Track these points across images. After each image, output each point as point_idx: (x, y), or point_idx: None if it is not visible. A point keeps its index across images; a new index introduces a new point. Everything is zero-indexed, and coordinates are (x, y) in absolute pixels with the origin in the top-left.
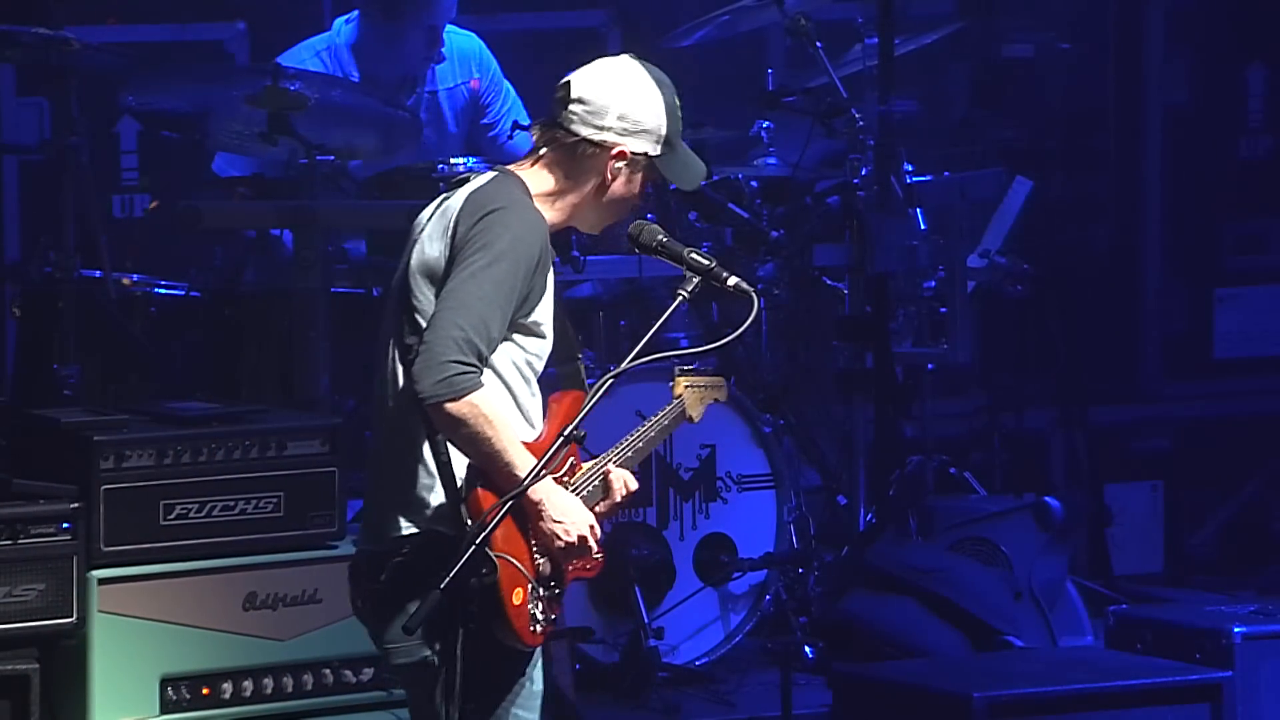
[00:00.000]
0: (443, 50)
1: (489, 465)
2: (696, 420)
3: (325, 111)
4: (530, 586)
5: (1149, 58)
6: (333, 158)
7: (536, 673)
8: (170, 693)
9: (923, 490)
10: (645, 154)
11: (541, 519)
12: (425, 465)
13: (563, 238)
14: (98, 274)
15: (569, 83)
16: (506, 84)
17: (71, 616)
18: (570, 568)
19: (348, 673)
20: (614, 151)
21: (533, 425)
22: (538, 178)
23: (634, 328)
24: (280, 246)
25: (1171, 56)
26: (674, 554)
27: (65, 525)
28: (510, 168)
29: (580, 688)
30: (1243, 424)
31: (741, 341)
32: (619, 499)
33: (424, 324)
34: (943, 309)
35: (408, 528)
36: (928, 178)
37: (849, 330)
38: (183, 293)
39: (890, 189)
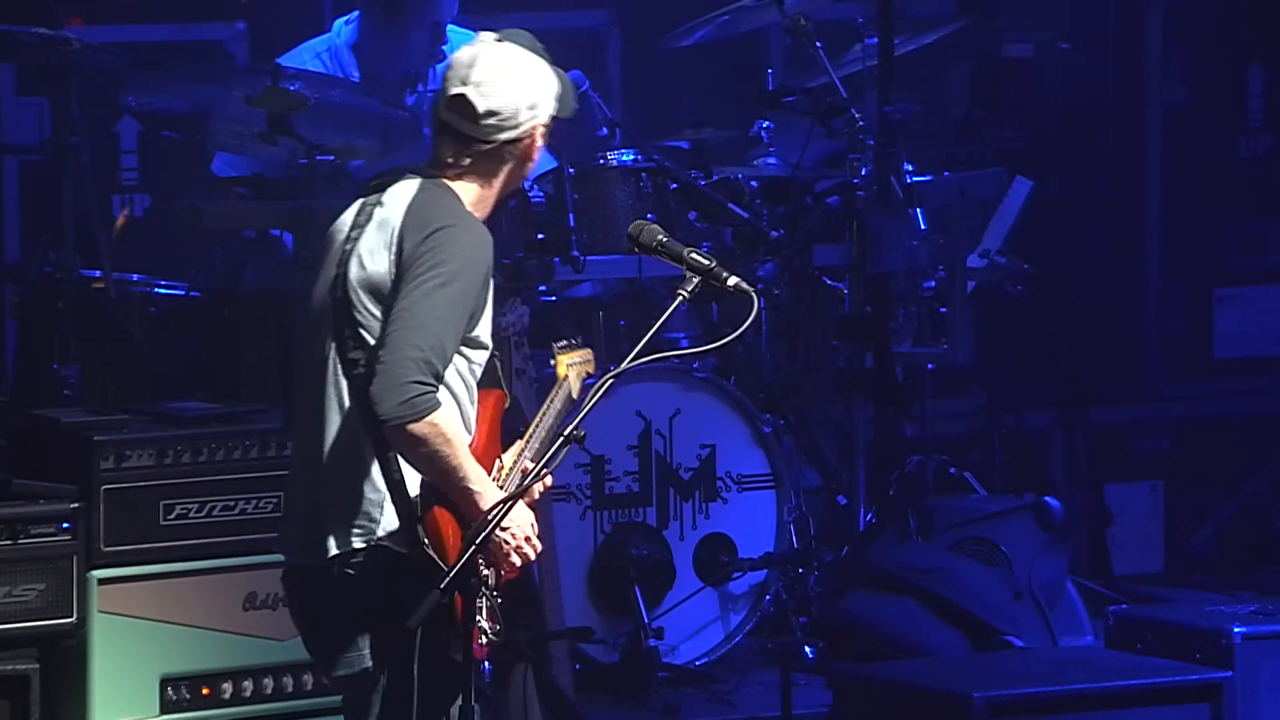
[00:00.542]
0: (444, 49)
1: (445, 481)
2: (576, 397)
3: (325, 111)
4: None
5: (1149, 57)
6: (333, 158)
7: (469, 686)
8: (170, 693)
9: (923, 490)
10: (552, 117)
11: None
12: (373, 482)
13: (563, 238)
14: (98, 274)
15: (468, 101)
16: None
17: (71, 616)
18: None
19: None
20: (531, 135)
21: (470, 431)
22: (467, 189)
23: (634, 328)
24: (280, 246)
25: (1171, 56)
26: (674, 554)
27: (65, 525)
28: (436, 176)
29: (580, 688)
30: (1243, 424)
31: (741, 341)
32: (538, 495)
33: (370, 340)
34: (943, 309)
35: (355, 543)
36: (928, 178)
37: (849, 330)
38: (183, 293)
39: (890, 189)
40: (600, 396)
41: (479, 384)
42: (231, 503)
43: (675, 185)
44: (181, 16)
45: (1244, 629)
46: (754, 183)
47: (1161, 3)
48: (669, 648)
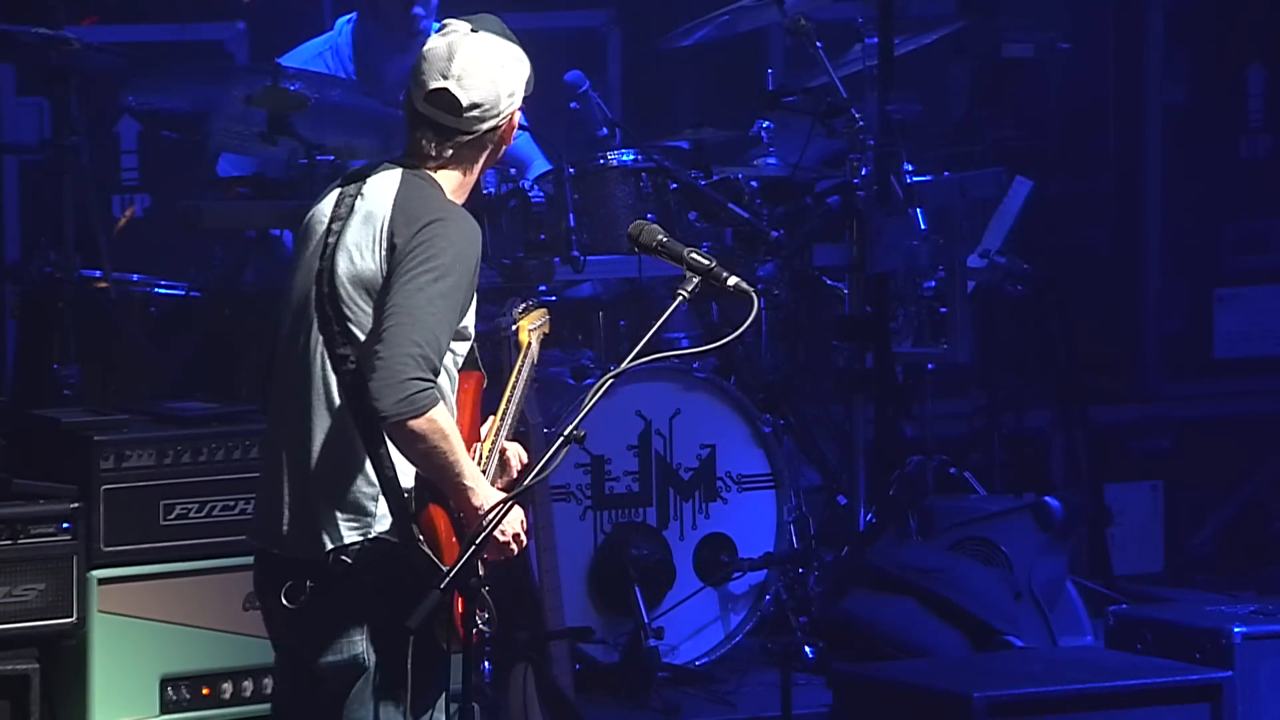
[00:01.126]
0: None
1: (441, 476)
2: (536, 360)
3: (325, 111)
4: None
5: (1149, 58)
6: (333, 158)
7: (467, 677)
8: (170, 693)
9: (923, 490)
10: (525, 98)
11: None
12: (366, 475)
13: (563, 238)
14: (98, 274)
15: (452, 95)
16: None
17: (71, 616)
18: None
19: None
20: (513, 118)
21: (453, 415)
22: (449, 177)
23: (634, 328)
24: (280, 246)
25: (1171, 56)
26: (674, 554)
27: (65, 525)
28: (417, 167)
29: (580, 688)
30: (1243, 424)
31: (741, 341)
32: (515, 475)
33: (359, 336)
34: (943, 309)
35: (353, 536)
36: (928, 178)
37: (849, 330)
38: (183, 293)
39: (890, 189)
40: (600, 396)
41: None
42: (231, 503)
43: (675, 185)
44: (181, 16)
45: (1244, 629)
46: (754, 183)
47: (1161, 3)
48: (669, 648)
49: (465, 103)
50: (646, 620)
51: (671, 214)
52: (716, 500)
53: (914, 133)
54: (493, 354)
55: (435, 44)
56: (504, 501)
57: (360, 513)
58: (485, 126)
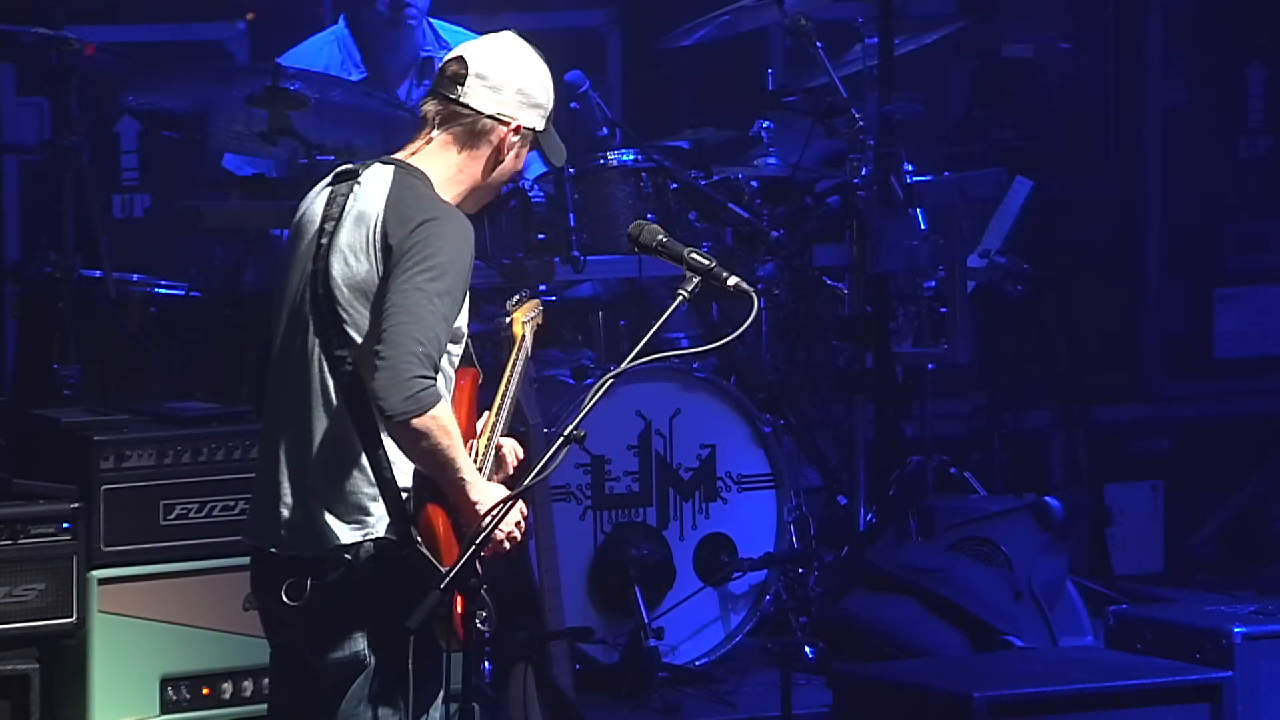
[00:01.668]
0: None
1: (441, 474)
2: (529, 353)
3: (325, 111)
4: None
5: (1149, 58)
6: (333, 158)
7: (468, 675)
8: (170, 693)
9: (923, 490)
10: (534, 129)
11: (480, 520)
12: (365, 476)
13: (563, 238)
14: (98, 274)
15: (463, 58)
16: None
17: (71, 616)
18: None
19: None
20: (512, 126)
21: None
22: (435, 163)
23: (634, 328)
24: (280, 246)
25: (1171, 56)
26: (674, 554)
27: (65, 525)
28: (404, 158)
29: (580, 688)
30: (1243, 424)
31: (741, 341)
32: (511, 470)
33: (356, 338)
34: (943, 309)
35: (355, 535)
36: (928, 178)
37: (849, 330)
38: (183, 293)
39: (890, 189)
40: (600, 396)
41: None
42: (231, 503)
43: (675, 185)
44: (181, 16)
45: (1244, 629)
46: (754, 183)
47: (1161, 3)
48: (669, 648)
49: (472, 71)
50: (646, 620)
51: (671, 214)
52: (716, 500)
53: (914, 133)
54: (493, 354)
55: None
56: (504, 501)
57: (360, 513)
58: (484, 108)
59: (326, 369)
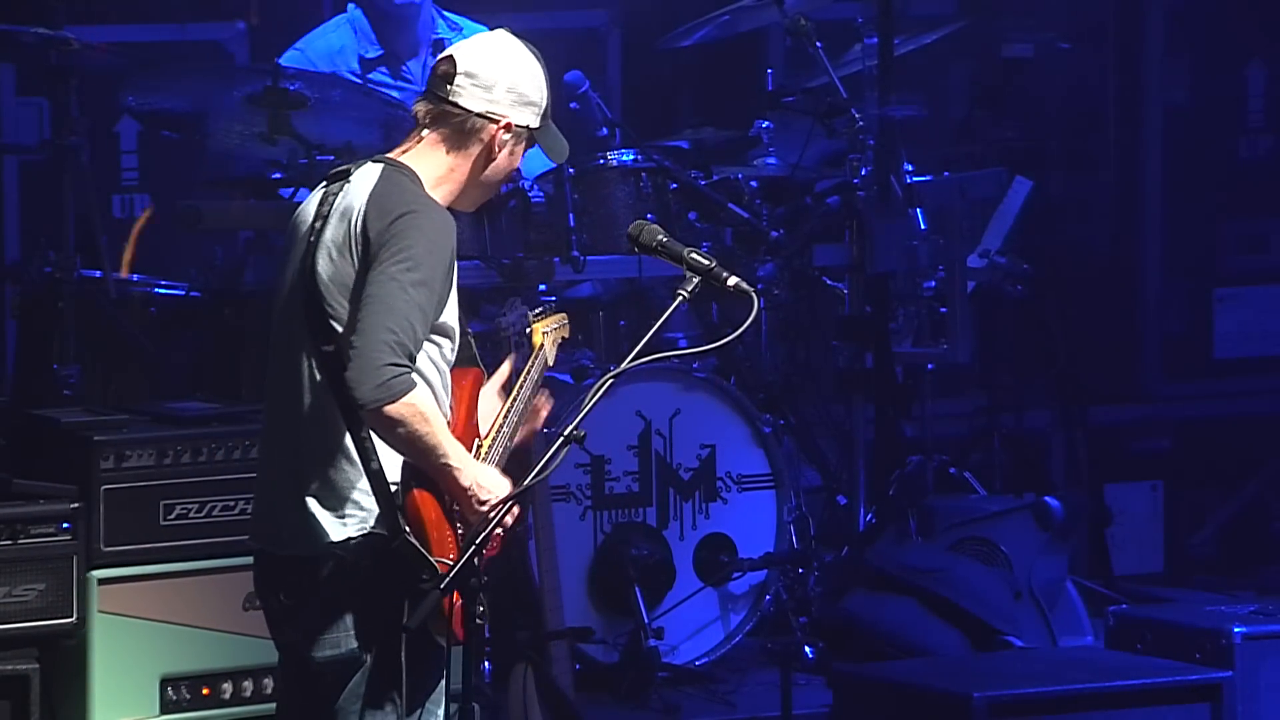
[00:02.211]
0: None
1: (424, 460)
2: (552, 364)
3: (325, 111)
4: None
5: (1149, 58)
6: (333, 158)
7: (468, 673)
8: (170, 693)
9: (923, 490)
10: (528, 126)
11: (472, 503)
12: (356, 470)
13: (563, 238)
14: (98, 274)
15: (452, 57)
16: None
17: (71, 616)
18: (486, 552)
19: None
20: (502, 123)
21: (447, 414)
22: (426, 161)
23: (634, 328)
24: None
25: (1171, 56)
26: (674, 554)
27: (65, 525)
28: (395, 156)
29: (580, 688)
30: (1243, 424)
31: (741, 341)
32: (541, 424)
33: (341, 331)
34: (943, 309)
35: (349, 531)
36: (928, 178)
37: (849, 330)
38: (183, 293)
39: (890, 189)
40: (600, 396)
41: (455, 363)
42: (231, 503)
43: (675, 185)
44: (181, 16)
45: (1244, 629)
46: (754, 183)
47: (1161, 3)
48: (669, 648)
49: (461, 68)
50: (646, 620)
51: (671, 214)
52: (716, 500)
53: (914, 133)
54: (493, 354)
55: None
56: (504, 501)
57: (351, 506)
58: (473, 106)
59: (315, 365)
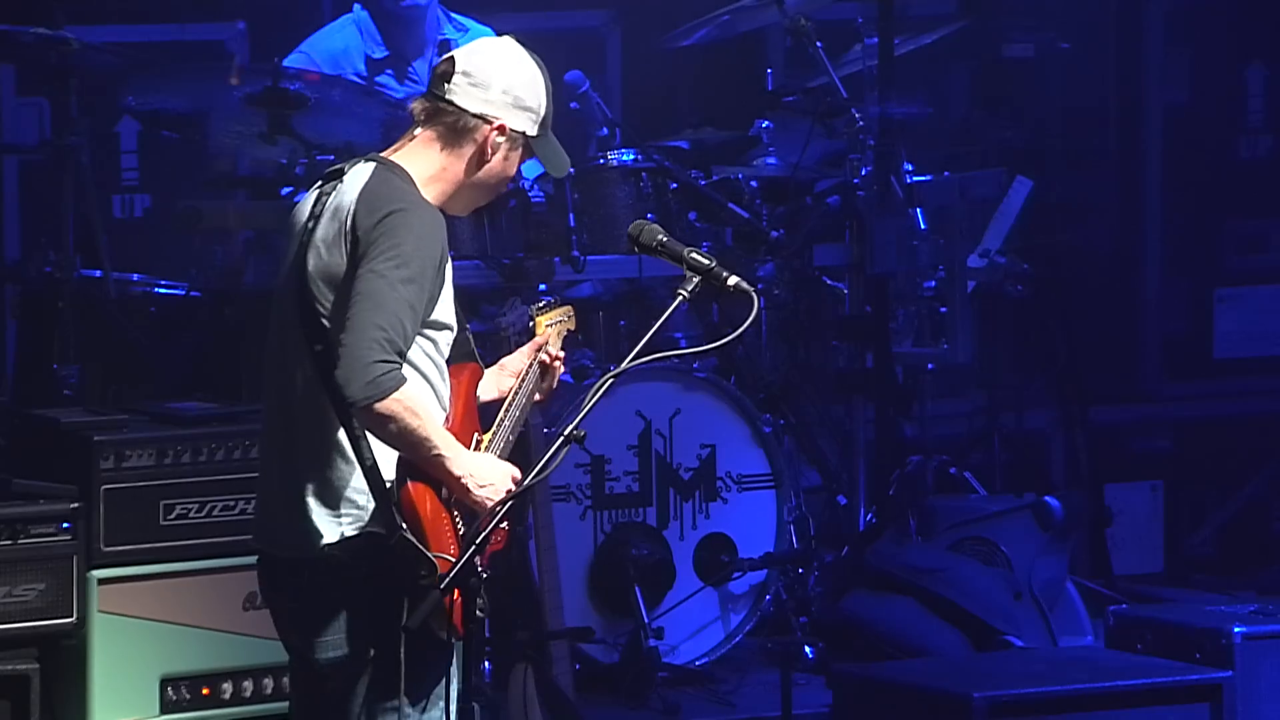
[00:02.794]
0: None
1: (416, 454)
2: (558, 354)
3: (325, 111)
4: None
5: (1149, 57)
6: (333, 158)
7: (453, 668)
8: (170, 693)
9: (923, 490)
10: (524, 133)
11: (469, 491)
12: (352, 469)
13: (563, 238)
14: (98, 274)
15: (453, 58)
16: None
17: (71, 616)
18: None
19: None
20: (495, 125)
21: (445, 409)
22: (418, 160)
23: (634, 328)
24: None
25: (1171, 56)
26: (674, 554)
27: (65, 525)
28: (388, 155)
29: (580, 688)
30: (1243, 424)
31: (741, 341)
32: (555, 379)
33: (331, 329)
34: (943, 309)
35: (347, 530)
36: (928, 178)
37: (849, 330)
38: (183, 293)
39: (890, 189)
40: (600, 396)
41: (452, 359)
42: (231, 503)
43: (675, 185)
44: (181, 16)
45: (1244, 629)
46: (754, 183)
47: (1161, 3)
48: (669, 648)
49: (458, 68)
50: (646, 620)
51: (671, 214)
52: (716, 500)
53: (914, 133)
54: (493, 353)
55: None
56: (504, 502)
57: (348, 506)
58: (467, 105)
59: (308, 363)
